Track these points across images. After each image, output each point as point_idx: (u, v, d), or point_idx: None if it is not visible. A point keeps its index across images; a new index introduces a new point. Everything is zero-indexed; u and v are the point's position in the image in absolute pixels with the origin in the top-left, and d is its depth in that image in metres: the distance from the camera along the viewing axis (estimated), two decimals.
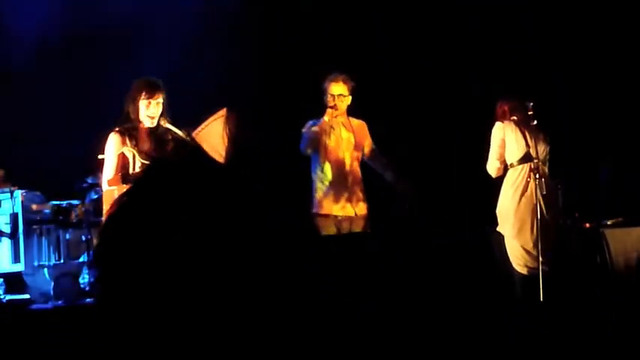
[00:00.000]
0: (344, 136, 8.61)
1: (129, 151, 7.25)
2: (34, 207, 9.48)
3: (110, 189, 7.32)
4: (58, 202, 9.46)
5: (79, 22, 10.44)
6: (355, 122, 8.75)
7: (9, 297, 9.11)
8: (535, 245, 8.06)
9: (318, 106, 8.61)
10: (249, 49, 10.64)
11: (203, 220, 1.40)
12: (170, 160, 1.53)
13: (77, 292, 8.79)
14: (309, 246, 1.53)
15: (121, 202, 1.48)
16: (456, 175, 9.77)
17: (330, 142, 8.55)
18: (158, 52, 10.19)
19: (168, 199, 1.43)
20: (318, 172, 8.57)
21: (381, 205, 8.73)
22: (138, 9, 10.36)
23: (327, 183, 8.53)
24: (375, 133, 8.88)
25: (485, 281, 8.06)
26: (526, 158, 8.23)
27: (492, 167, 8.41)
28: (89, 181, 9.14)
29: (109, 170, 7.35)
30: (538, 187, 8.08)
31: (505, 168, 8.39)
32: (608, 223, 9.28)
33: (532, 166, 8.20)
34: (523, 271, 8.13)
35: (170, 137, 7.27)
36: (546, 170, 8.28)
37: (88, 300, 8.52)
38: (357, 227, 8.51)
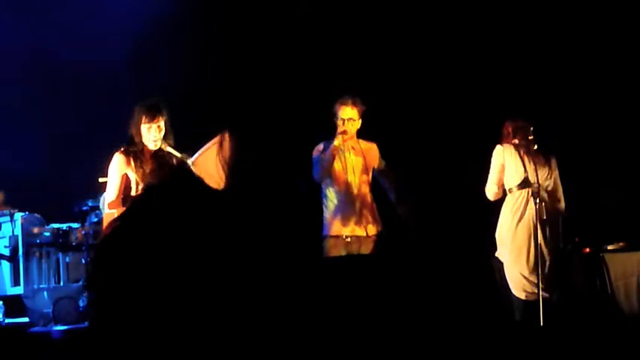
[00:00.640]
0: (353, 160, 8.56)
1: (132, 173, 7.25)
2: (34, 230, 9.49)
3: (110, 212, 7.31)
4: (58, 225, 9.46)
5: (76, 48, 10.46)
6: (365, 145, 8.68)
7: (9, 320, 9.11)
8: (533, 271, 8.01)
9: (326, 127, 8.58)
10: (252, 71, 10.64)
11: (193, 246, 1.41)
12: (163, 187, 1.54)
13: (77, 315, 8.79)
14: (309, 269, 1.54)
15: (114, 227, 1.50)
16: (460, 197, 9.73)
17: (339, 165, 8.52)
18: (159, 73, 10.22)
19: (160, 225, 1.44)
20: (328, 195, 8.54)
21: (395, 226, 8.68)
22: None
23: (336, 205, 8.51)
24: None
25: (485, 305, 8.05)
26: (525, 183, 8.18)
27: (490, 191, 8.37)
28: (89, 203, 9.16)
29: (111, 192, 7.34)
30: (537, 212, 8.06)
31: (505, 192, 8.35)
32: (609, 247, 9.25)
33: (531, 192, 8.16)
34: (521, 296, 8.09)
35: (172, 161, 7.28)
36: (546, 196, 8.21)
37: (87, 323, 8.50)
38: (367, 249, 8.46)
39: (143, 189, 2.15)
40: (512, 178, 8.23)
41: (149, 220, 1.47)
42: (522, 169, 8.17)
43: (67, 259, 9.36)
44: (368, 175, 8.62)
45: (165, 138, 7.31)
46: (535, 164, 8.19)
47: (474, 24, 10.92)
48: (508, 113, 8.48)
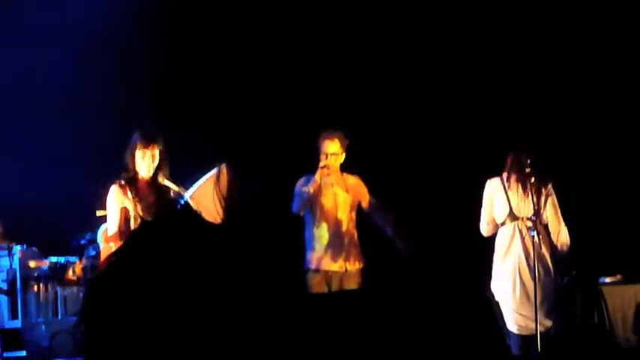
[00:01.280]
0: (340, 196, 8.58)
1: (130, 204, 7.22)
2: (32, 264, 9.46)
3: (108, 246, 7.30)
4: (55, 259, 9.44)
5: (78, 78, 10.49)
6: (350, 180, 8.70)
7: (6, 354, 9.06)
8: (522, 305, 7.98)
9: (310, 158, 8.58)
10: (246, 101, 10.66)
11: (188, 282, 1.41)
12: (159, 222, 1.54)
13: (74, 349, 8.74)
14: (298, 304, 1.54)
15: (110, 262, 1.49)
16: (458, 231, 9.70)
17: (327, 202, 8.53)
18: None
19: (155, 262, 1.44)
20: (314, 231, 8.54)
21: (377, 260, 8.69)
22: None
23: (323, 242, 8.52)
24: (374, 185, 8.84)
25: (483, 340, 8.00)
26: (511, 217, 8.17)
27: (482, 227, 8.34)
28: (87, 237, 9.14)
29: (112, 225, 7.31)
30: (523, 246, 8.03)
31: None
32: (607, 280, 9.24)
33: (518, 227, 8.14)
34: (514, 329, 8.03)
35: (169, 194, 7.26)
36: (530, 228, 8.07)
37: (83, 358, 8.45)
38: (350, 283, 8.47)
39: (139, 224, 2.15)
40: (500, 212, 8.19)
41: (146, 255, 1.46)
42: (507, 202, 8.13)
43: (65, 293, 9.33)
44: (354, 211, 8.63)
45: (160, 169, 7.28)
46: (525, 196, 8.12)
47: (465, 54, 10.93)
48: (506, 144, 8.44)
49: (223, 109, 10.60)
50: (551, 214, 8.23)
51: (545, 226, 8.21)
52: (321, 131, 8.57)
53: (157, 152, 7.25)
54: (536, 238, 7.99)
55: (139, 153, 7.24)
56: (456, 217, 9.33)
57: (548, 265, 8.11)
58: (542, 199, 8.19)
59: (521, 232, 8.09)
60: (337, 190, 8.59)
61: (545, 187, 8.23)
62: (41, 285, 9.36)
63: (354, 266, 8.54)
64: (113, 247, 7.04)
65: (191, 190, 6.59)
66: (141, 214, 7.17)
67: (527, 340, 7.96)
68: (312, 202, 8.49)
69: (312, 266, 8.45)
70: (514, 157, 8.17)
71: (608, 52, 10.73)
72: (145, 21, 10.76)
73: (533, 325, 7.82)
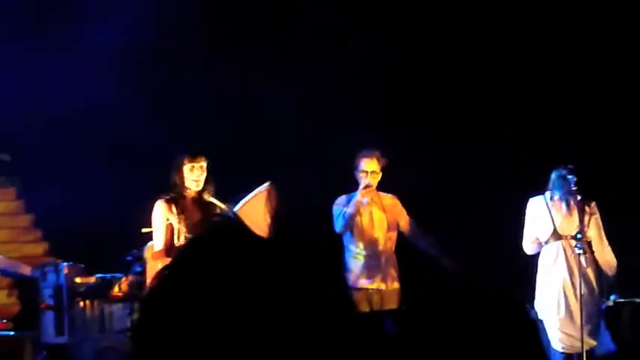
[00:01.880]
0: (377, 215, 8.62)
1: (174, 220, 7.28)
2: (78, 280, 9.52)
3: (154, 263, 7.33)
4: (102, 275, 9.49)
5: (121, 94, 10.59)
6: (387, 200, 8.72)
7: None
8: (567, 324, 7.93)
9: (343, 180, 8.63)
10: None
11: (241, 296, 1.39)
12: (211, 236, 1.53)
13: None
14: (348, 321, 1.52)
15: (161, 277, 1.48)
16: (500, 250, 9.63)
17: (364, 221, 8.57)
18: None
19: (208, 275, 1.43)
20: (352, 249, 8.58)
21: (415, 279, 8.69)
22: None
23: (360, 261, 8.54)
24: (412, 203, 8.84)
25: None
26: (555, 236, 8.11)
27: (525, 245, 8.29)
28: (133, 254, 9.18)
29: (157, 241, 7.39)
30: (567, 264, 7.98)
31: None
32: None
33: (563, 245, 8.07)
34: (558, 348, 7.99)
35: (215, 210, 7.31)
36: (576, 246, 8.00)
37: None
38: (389, 302, 8.49)
39: (188, 239, 2.14)
40: (543, 231, 8.14)
41: (197, 270, 1.45)
42: (551, 221, 8.08)
43: (111, 309, 9.36)
44: (393, 231, 8.64)
45: (206, 185, 7.37)
46: (569, 215, 8.07)
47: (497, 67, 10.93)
48: (554, 161, 8.37)
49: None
50: (595, 233, 8.17)
51: (589, 245, 8.14)
52: (357, 151, 8.60)
53: (204, 164, 7.36)
54: (582, 256, 7.93)
55: (187, 167, 7.35)
56: (498, 236, 9.28)
57: (592, 284, 8.06)
58: (586, 217, 8.13)
59: (565, 250, 8.04)
60: (374, 209, 8.62)
61: (589, 206, 8.16)
62: (87, 301, 9.40)
63: (392, 286, 8.55)
64: (159, 263, 7.07)
65: (238, 206, 6.63)
66: (185, 230, 7.21)
67: (571, 358, 7.92)
68: (353, 223, 8.52)
69: (353, 284, 8.48)
70: (559, 175, 8.12)
71: None
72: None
73: (578, 344, 7.78)
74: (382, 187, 8.69)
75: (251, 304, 1.41)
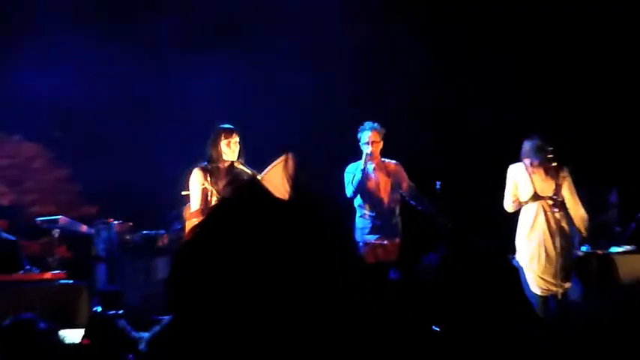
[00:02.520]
0: (382, 180, 8.69)
1: (209, 186, 7.33)
2: (127, 236, 9.57)
3: (191, 220, 7.36)
4: (147, 231, 9.54)
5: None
6: (390, 166, 8.78)
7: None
8: (545, 272, 8.02)
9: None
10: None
11: (264, 248, 1.39)
12: (237, 198, 1.53)
13: (164, 309, 8.80)
14: (357, 269, 1.51)
15: (194, 233, 1.48)
16: (487, 206, 9.62)
17: (371, 185, 8.63)
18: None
19: (235, 231, 1.42)
20: (361, 210, 8.69)
21: (414, 235, 8.74)
22: None
23: (367, 219, 8.62)
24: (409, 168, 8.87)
25: (509, 300, 7.94)
26: (534, 197, 8.15)
27: (506, 204, 8.36)
28: (174, 213, 9.21)
29: (194, 202, 7.43)
30: (546, 222, 8.06)
31: (521, 204, 8.29)
32: (619, 250, 9.21)
33: (541, 205, 8.13)
34: (537, 292, 8.06)
35: (244, 176, 7.36)
36: (553, 204, 8.10)
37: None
38: (392, 254, 8.58)
39: (219, 200, 2.14)
40: (524, 193, 8.22)
41: (225, 227, 1.45)
42: (531, 184, 8.13)
43: (155, 261, 9.41)
44: (396, 194, 8.66)
45: (239, 156, 7.42)
46: (547, 179, 8.12)
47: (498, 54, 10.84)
48: (529, 132, 8.36)
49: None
50: (568, 193, 8.25)
51: (563, 204, 8.17)
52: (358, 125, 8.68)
53: (238, 139, 7.42)
54: (557, 213, 8.08)
55: (224, 142, 7.41)
56: (480, 198, 9.30)
57: (567, 237, 8.14)
58: (561, 180, 8.20)
59: (544, 209, 8.13)
60: (380, 175, 8.67)
61: (563, 171, 8.24)
62: (134, 254, 9.45)
63: (394, 241, 8.58)
64: (195, 221, 7.08)
65: (263, 173, 6.62)
66: (217, 193, 7.26)
67: (547, 300, 8.02)
68: (363, 188, 8.58)
69: (360, 239, 8.56)
70: (536, 145, 8.16)
71: None
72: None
73: (554, 288, 7.97)
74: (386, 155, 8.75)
75: (272, 255, 1.41)
